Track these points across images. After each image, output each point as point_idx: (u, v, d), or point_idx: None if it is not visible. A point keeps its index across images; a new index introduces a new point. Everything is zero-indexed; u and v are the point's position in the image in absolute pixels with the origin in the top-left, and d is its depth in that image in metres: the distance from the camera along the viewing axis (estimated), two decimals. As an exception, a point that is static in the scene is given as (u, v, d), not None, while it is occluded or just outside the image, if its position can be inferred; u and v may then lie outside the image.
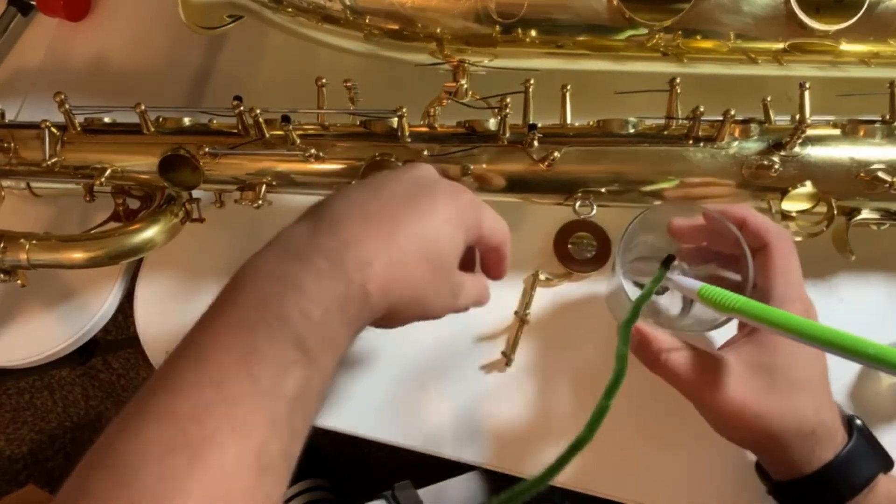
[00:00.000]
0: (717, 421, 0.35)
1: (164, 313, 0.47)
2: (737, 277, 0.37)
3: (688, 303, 0.40)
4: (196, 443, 0.22)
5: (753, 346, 0.34)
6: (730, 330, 0.37)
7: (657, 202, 0.40)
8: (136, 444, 0.23)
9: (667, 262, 0.36)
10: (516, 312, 0.44)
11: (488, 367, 0.44)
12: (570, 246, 0.45)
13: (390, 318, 0.30)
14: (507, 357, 0.43)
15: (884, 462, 0.35)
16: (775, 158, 0.38)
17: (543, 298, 0.44)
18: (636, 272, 0.39)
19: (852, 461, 0.34)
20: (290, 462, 0.25)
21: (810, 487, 0.34)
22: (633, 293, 0.36)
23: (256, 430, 0.24)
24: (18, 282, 0.41)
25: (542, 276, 0.44)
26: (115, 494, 0.21)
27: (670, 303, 0.41)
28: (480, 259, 0.37)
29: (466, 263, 0.35)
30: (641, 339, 0.35)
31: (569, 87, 0.40)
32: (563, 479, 0.38)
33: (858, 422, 0.36)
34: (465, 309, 0.35)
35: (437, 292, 0.31)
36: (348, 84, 0.42)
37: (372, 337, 0.44)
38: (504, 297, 0.44)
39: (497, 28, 0.40)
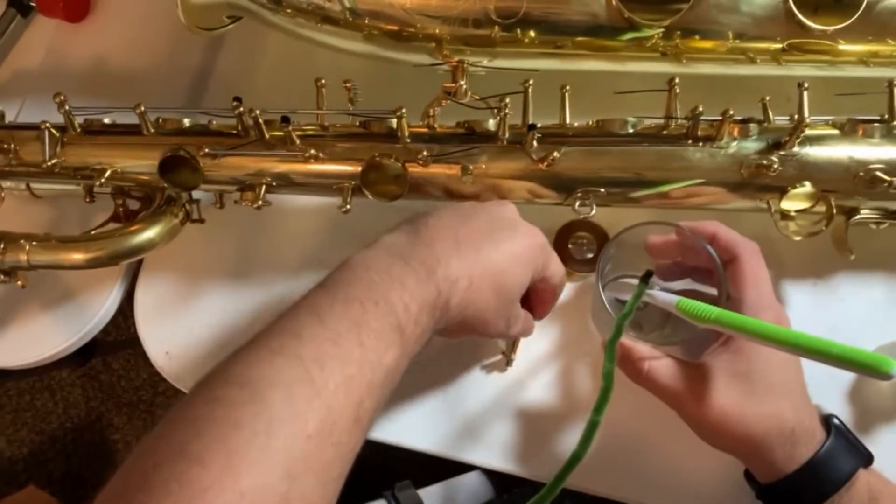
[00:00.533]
0: (700, 429, 0.36)
1: (164, 314, 0.47)
2: (712, 290, 0.38)
3: (666, 316, 0.40)
4: (317, 382, 0.26)
5: (731, 354, 0.35)
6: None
7: (642, 214, 0.40)
8: (266, 372, 0.26)
9: (646, 278, 0.38)
10: (516, 312, 0.44)
11: (489, 368, 0.44)
12: (570, 246, 0.45)
13: (454, 329, 0.34)
14: (508, 357, 0.43)
15: (863, 458, 0.36)
16: (774, 158, 0.38)
17: (543, 298, 0.44)
18: (617, 289, 0.40)
19: (832, 458, 0.35)
20: (370, 426, 0.29)
21: (793, 486, 0.35)
22: (615, 310, 0.37)
23: (359, 387, 0.28)
24: (18, 283, 0.41)
25: (541, 276, 0.44)
26: (248, 406, 0.25)
27: (650, 318, 0.41)
28: (532, 295, 0.39)
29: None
30: (624, 352, 0.37)
31: (568, 88, 0.40)
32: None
33: (836, 420, 0.37)
34: (512, 338, 0.38)
35: (497, 317, 0.35)
36: (348, 85, 0.42)
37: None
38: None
39: (496, 28, 0.40)
